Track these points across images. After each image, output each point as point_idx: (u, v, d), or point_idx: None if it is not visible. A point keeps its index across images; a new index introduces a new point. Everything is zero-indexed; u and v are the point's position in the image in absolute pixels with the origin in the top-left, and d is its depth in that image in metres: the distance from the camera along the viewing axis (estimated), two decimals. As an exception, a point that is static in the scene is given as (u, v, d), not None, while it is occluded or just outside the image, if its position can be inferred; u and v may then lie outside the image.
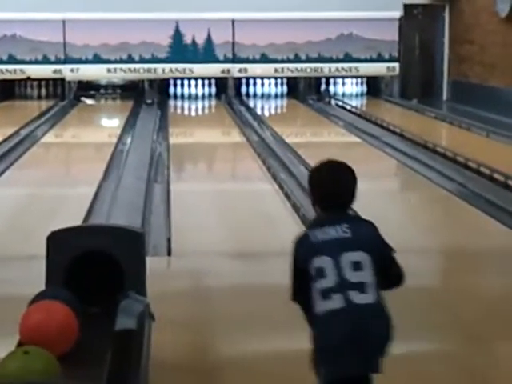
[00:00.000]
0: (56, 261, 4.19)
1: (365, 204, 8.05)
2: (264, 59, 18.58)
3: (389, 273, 3.13)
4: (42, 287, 4.19)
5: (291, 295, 3.21)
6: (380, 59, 18.77)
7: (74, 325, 3.75)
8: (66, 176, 10.56)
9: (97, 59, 18.31)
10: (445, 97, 18.85)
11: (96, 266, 4.20)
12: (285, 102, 18.77)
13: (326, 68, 18.73)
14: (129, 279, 4.17)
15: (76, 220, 6.91)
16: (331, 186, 3.18)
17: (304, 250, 3.10)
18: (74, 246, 4.20)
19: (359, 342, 2.97)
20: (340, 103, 17.90)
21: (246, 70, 18.61)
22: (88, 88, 18.74)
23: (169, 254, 6.48)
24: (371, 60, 18.77)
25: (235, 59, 18.56)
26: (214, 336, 4.85)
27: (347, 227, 3.10)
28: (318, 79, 19.04)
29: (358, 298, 2.99)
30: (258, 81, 18.89)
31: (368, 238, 3.12)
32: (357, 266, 3.02)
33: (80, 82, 18.54)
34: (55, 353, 3.49)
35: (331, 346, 3.00)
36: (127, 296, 4.08)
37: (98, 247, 4.19)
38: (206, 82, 18.83)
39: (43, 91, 18.69)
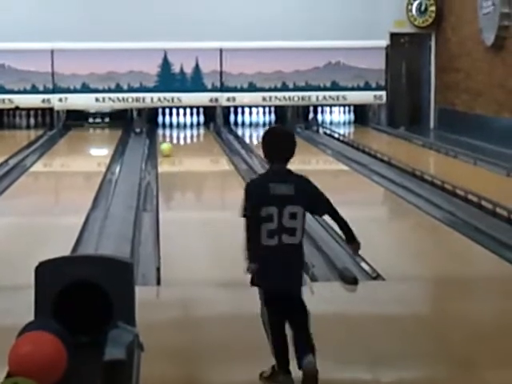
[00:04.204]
0: (44, 291, 4.18)
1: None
2: (252, 88, 18.67)
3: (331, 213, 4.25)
4: (31, 318, 4.18)
5: (242, 213, 4.21)
6: (367, 88, 18.89)
7: (63, 356, 3.74)
8: (55, 205, 10.55)
9: (85, 88, 18.36)
10: (432, 125, 18.96)
11: (85, 297, 4.20)
12: (273, 130, 18.78)
13: (314, 96, 18.83)
14: (118, 309, 4.16)
15: (65, 250, 6.89)
16: (278, 144, 4.25)
17: (261, 196, 4.15)
18: (63, 277, 4.20)
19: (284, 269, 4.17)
20: (328, 131, 17.96)
21: (234, 99, 18.68)
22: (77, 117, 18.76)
23: (158, 283, 6.47)
24: (358, 88, 18.87)
25: (223, 88, 18.63)
26: (204, 366, 4.83)
27: (293, 186, 4.15)
28: (306, 107, 19.13)
29: (287, 239, 4.13)
30: (246, 109, 18.96)
31: (305, 194, 4.18)
32: (293, 216, 4.12)
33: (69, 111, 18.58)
34: (44, 384, 3.48)
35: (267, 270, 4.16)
36: (116, 326, 4.07)
37: (87, 277, 4.19)
38: (195, 110, 18.89)
39: (32, 121, 18.71)
